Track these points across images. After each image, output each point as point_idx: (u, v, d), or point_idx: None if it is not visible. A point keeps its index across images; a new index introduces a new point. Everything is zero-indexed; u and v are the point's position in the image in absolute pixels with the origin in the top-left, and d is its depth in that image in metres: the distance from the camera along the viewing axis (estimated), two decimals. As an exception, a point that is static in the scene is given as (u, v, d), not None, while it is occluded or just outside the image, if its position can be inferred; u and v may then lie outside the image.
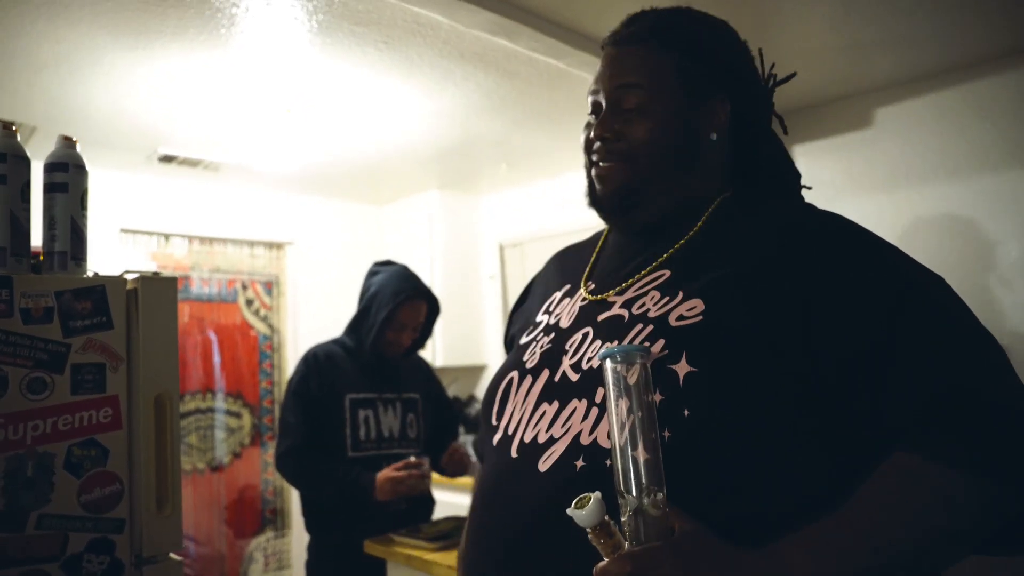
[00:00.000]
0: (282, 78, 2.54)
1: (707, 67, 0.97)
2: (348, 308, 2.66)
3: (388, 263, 2.63)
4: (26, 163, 1.33)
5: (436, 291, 3.35)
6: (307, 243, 4.27)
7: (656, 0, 1.09)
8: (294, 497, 4.04)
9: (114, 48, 2.25)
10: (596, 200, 1.00)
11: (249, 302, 4.11)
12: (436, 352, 4.02)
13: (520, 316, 1.16)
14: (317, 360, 2.45)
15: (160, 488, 1.41)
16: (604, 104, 0.98)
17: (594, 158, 0.99)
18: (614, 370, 0.75)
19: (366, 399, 2.44)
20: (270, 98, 2.71)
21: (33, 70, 2.38)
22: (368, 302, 2.49)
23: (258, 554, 3.99)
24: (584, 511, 0.69)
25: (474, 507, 0.93)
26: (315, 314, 4.12)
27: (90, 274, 1.40)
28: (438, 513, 2.57)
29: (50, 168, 1.35)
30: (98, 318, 1.36)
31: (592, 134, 0.98)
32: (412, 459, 2.33)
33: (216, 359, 3.96)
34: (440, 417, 2.67)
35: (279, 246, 4.23)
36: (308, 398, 2.38)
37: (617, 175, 0.95)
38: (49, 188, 1.35)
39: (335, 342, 2.55)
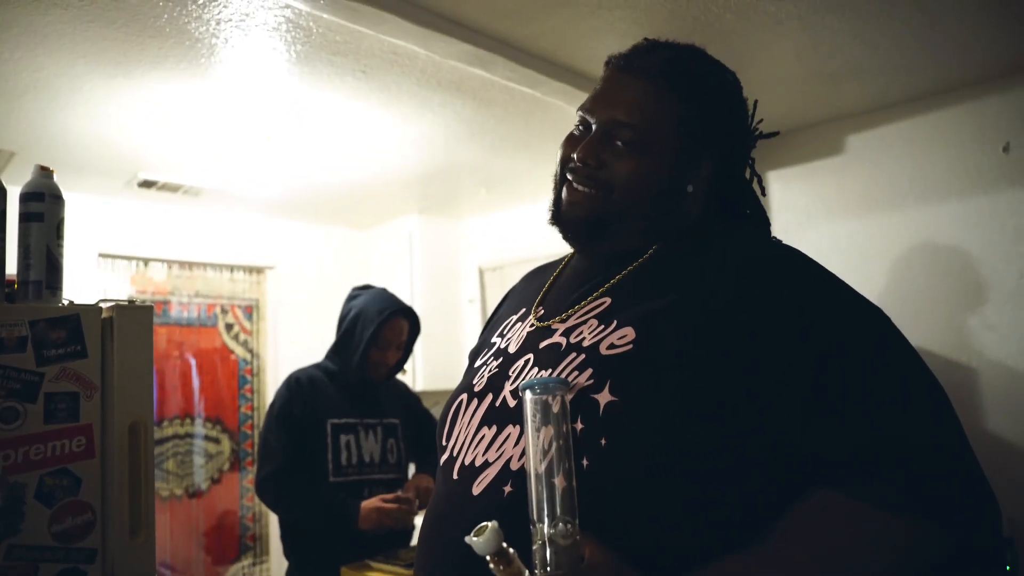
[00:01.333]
0: (262, 105, 2.57)
1: (706, 127, 0.94)
2: (329, 333, 2.67)
3: (367, 287, 2.66)
4: (0, 193, 1.34)
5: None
6: (288, 267, 4.27)
7: (644, 34, 1.06)
8: (273, 523, 4.00)
9: (94, 76, 2.27)
10: (560, 220, 0.99)
11: (229, 326, 4.10)
12: (416, 376, 4.02)
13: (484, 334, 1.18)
14: (300, 384, 2.46)
15: (133, 516, 1.41)
16: (595, 128, 0.95)
17: (569, 176, 0.97)
18: (533, 401, 0.77)
19: (348, 424, 2.44)
20: (251, 125, 2.73)
21: (12, 96, 2.39)
22: (351, 324, 2.50)
23: (235, 582, 3.95)
24: (480, 539, 0.70)
25: (422, 527, 0.96)
26: (296, 339, 4.12)
27: (65, 303, 1.41)
28: (416, 539, 2.57)
29: (26, 198, 1.37)
30: (72, 347, 1.37)
31: (576, 155, 0.95)
32: (400, 493, 2.34)
33: (195, 384, 3.94)
34: (426, 433, 2.69)
35: (259, 270, 4.24)
36: (291, 422, 2.38)
37: (589, 203, 0.94)
38: (25, 217, 1.36)
39: (317, 367, 2.56)
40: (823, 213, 3.03)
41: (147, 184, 3.36)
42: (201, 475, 3.89)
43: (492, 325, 1.14)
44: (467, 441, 0.91)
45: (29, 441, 1.27)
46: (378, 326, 2.44)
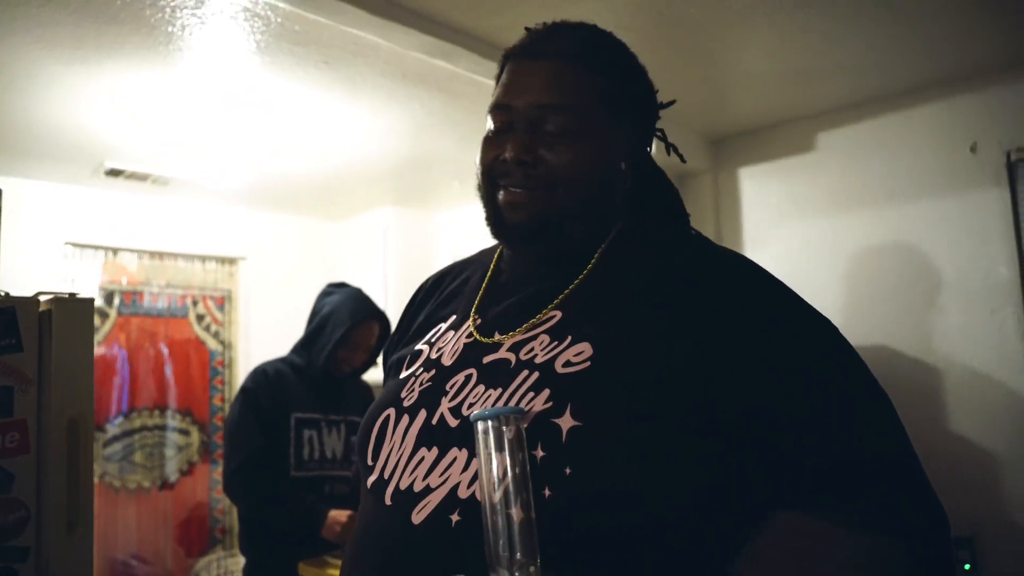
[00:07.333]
0: (226, 95, 2.53)
1: (626, 94, 0.92)
2: (301, 325, 2.65)
3: (342, 285, 2.64)
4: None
5: (390, 307, 3.35)
6: (260, 258, 4.22)
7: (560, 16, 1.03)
8: (243, 516, 3.98)
9: (50, 61, 2.22)
10: (504, 230, 0.91)
11: (200, 317, 4.06)
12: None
13: (399, 342, 1.09)
14: (267, 376, 2.45)
15: (71, 512, 1.38)
16: (518, 122, 0.89)
17: (502, 182, 0.89)
18: (485, 430, 0.72)
19: (311, 419, 2.43)
20: (215, 114, 2.69)
21: (-32, 82, 2.34)
22: (322, 321, 2.49)
23: (206, 574, 3.93)
24: None
25: (347, 553, 0.88)
26: (268, 330, 4.07)
27: (0, 295, 1.37)
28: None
29: (-42, 187, 1.33)
30: (6, 340, 1.33)
31: (507, 155, 0.87)
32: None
33: (168, 375, 3.89)
34: None
35: (232, 261, 4.19)
36: (258, 414, 2.37)
37: (533, 204, 0.87)
38: (-42, 206, 1.33)
39: (282, 361, 2.55)
40: (794, 210, 3.02)
41: (114, 173, 3.31)
42: (171, 467, 3.86)
43: (413, 330, 1.05)
44: (400, 462, 0.83)
45: (-43, 436, 1.24)
46: (348, 329, 2.44)
